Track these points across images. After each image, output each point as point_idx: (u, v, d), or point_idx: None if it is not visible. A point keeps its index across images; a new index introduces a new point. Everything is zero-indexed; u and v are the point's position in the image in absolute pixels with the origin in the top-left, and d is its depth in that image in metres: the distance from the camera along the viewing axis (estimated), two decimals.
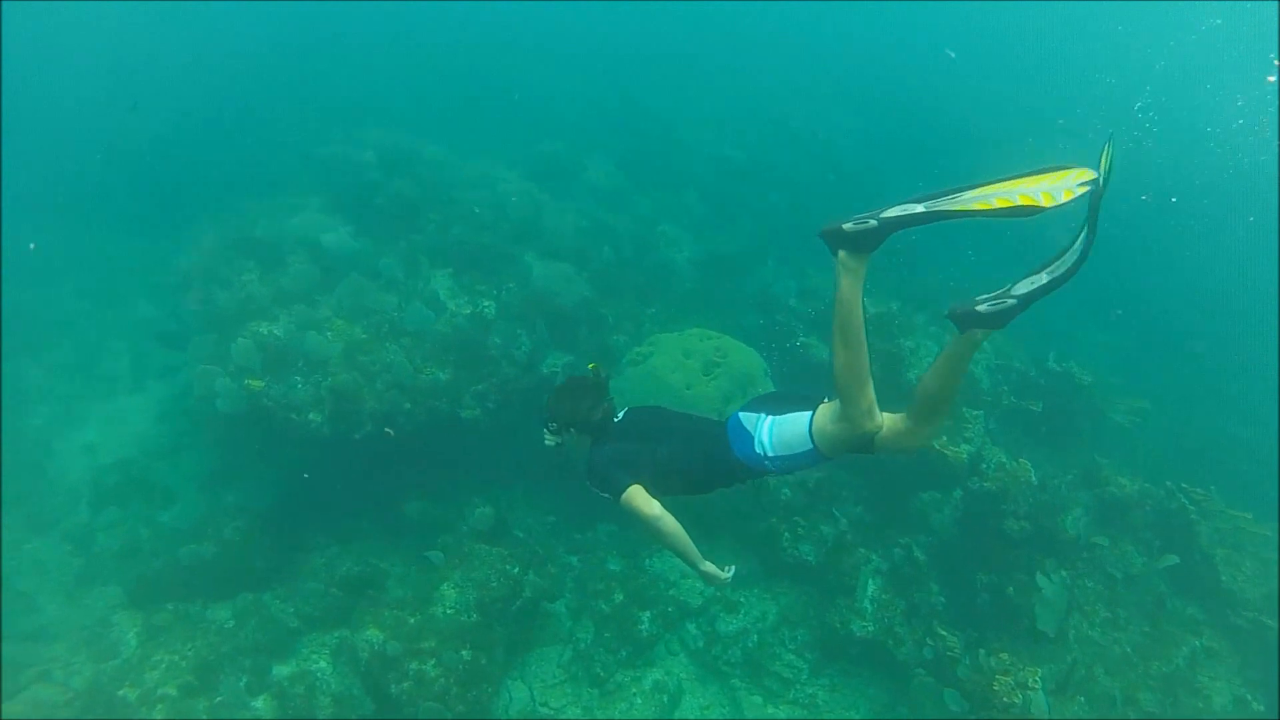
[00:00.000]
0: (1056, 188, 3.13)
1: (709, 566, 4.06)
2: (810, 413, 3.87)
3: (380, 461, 9.95)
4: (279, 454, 10.54)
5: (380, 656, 8.46)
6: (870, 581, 9.78)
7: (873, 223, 3.40)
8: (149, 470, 11.59)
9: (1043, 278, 3.24)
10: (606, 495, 4.09)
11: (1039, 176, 3.18)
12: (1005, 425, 11.87)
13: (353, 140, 14.21)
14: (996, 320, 3.32)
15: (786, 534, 10.04)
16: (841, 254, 3.48)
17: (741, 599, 10.04)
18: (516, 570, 9.30)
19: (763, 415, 4.02)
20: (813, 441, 3.81)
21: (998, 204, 3.17)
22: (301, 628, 9.32)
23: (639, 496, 3.97)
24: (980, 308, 3.32)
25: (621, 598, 9.70)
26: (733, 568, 4.20)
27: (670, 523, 3.94)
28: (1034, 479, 9.94)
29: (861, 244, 3.45)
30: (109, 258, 15.61)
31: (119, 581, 10.08)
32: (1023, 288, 3.28)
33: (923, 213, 3.30)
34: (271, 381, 9.75)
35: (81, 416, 12.57)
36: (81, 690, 8.65)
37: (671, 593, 9.92)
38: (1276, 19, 21.24)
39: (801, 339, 11.49)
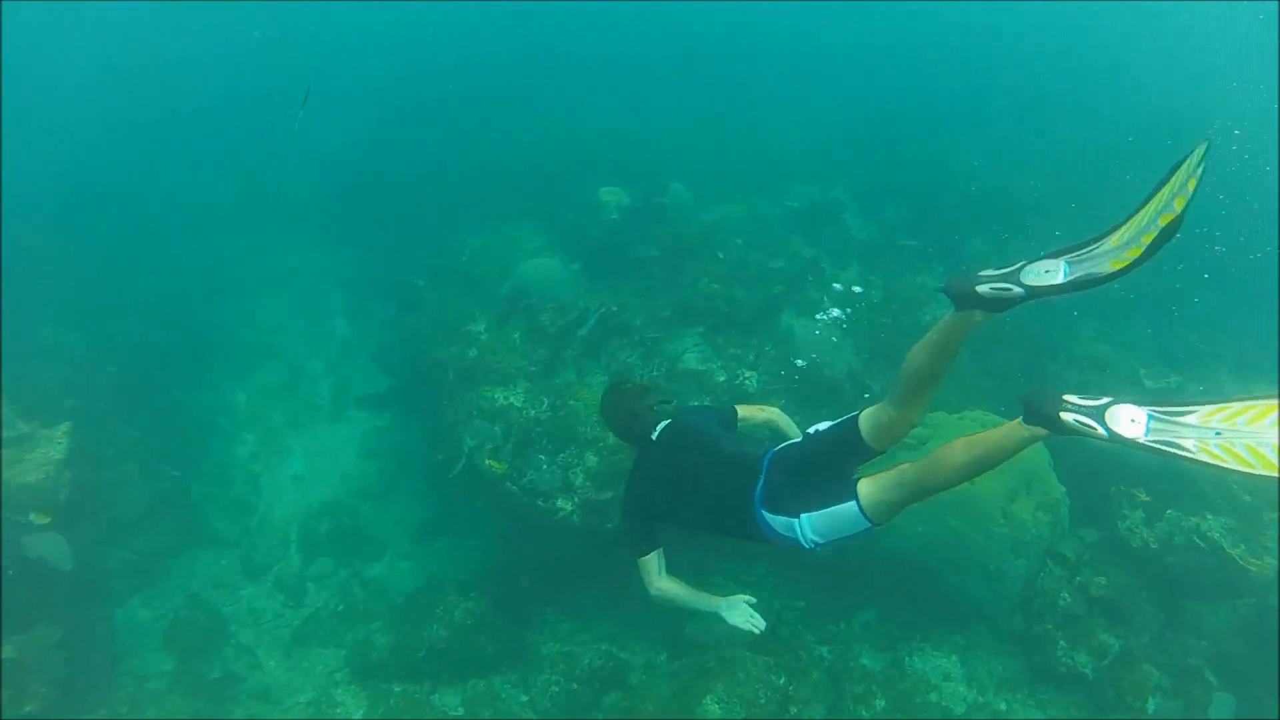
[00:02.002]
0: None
1: (733, 613, 4.22)
2: (853, 501, 3.63)
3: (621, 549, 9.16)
4: (496, 515, 9.95)
5: None
6: (1150, 699, 8.71)
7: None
8: (358, 515, 11.22)
9: (1058, 276, 2.99)
10: (626, 540, 4.41)
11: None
12: None
13: (587, 173, 13.35)
14: (997, 306, 3.10)
15: (1062, 641, 9.00)
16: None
17: (1004, 706, 9.05)
18: (783, 681, 8.45)
19: (795, 519, 3.77)
20: (868, 520, 3.62)
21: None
22: None
23: (649, 568, 4.28)
24: (981, 288, 3.08)
25: (883, 704, 8.75)
26: (752, 610, 4.26)
27: (671, 593, 4.28)
28: None
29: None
30: (312, 270, 15.19)
31: (336, 644, 9.73)
32: (1034, 277, 3.01)
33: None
34: (513, 461, 8.97)
35: (286, 447, 12.23)
36: None
37: (933, 697, 8.98)
38: (1277, 18, 19.77)
39: None
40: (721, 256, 10.94)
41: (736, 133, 17.19)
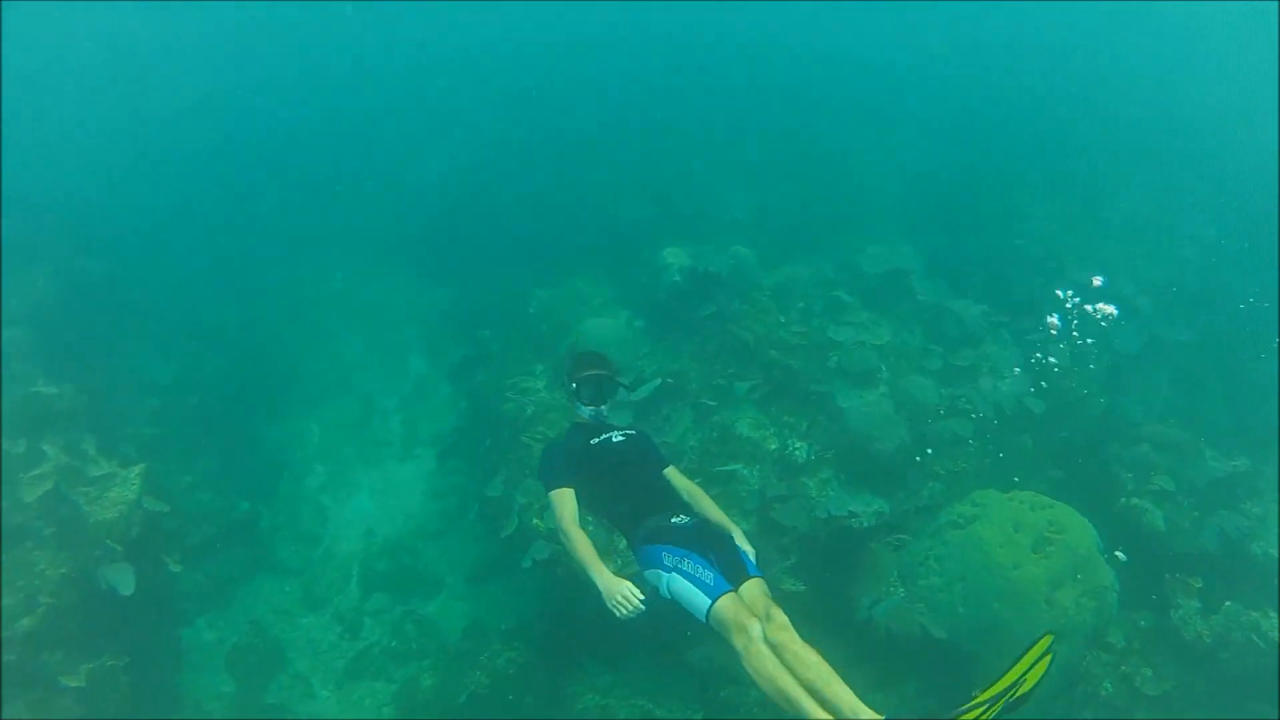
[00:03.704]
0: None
1: (606, 578, 4.29)
2: (709, 604, 4.14)
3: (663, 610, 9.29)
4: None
5: None
6: None
7: None
8: (418, 555, 11.55)
9: None
10: (541, 482, 4.83)
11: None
12: None
13: (656, 228, 13.51)
14: None
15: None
16: None
17: None
18: None
19: (667, 573, 4.33)
20: (706, 620, 4.16)
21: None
22: None
23: (564, 501, 4.62)
24: None
25: None
26: (636, 592, 4.25)
27: (576, 537, 4.47)
28: None
29: None
30: (395, 305, 15.74)
31: (387, 679, 10.05)
32: None
33: None
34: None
35: (354, 482, 12.66)
36: None
37: None
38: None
39: (1133, 499, 10.07)
40: (783, 322, 11.00)
41: (815, 184, 16.95)
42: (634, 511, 4.70)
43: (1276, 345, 12.08)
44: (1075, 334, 11.64)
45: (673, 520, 4.64)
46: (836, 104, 21.50)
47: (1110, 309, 11.73)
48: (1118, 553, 9.28)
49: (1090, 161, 17.39)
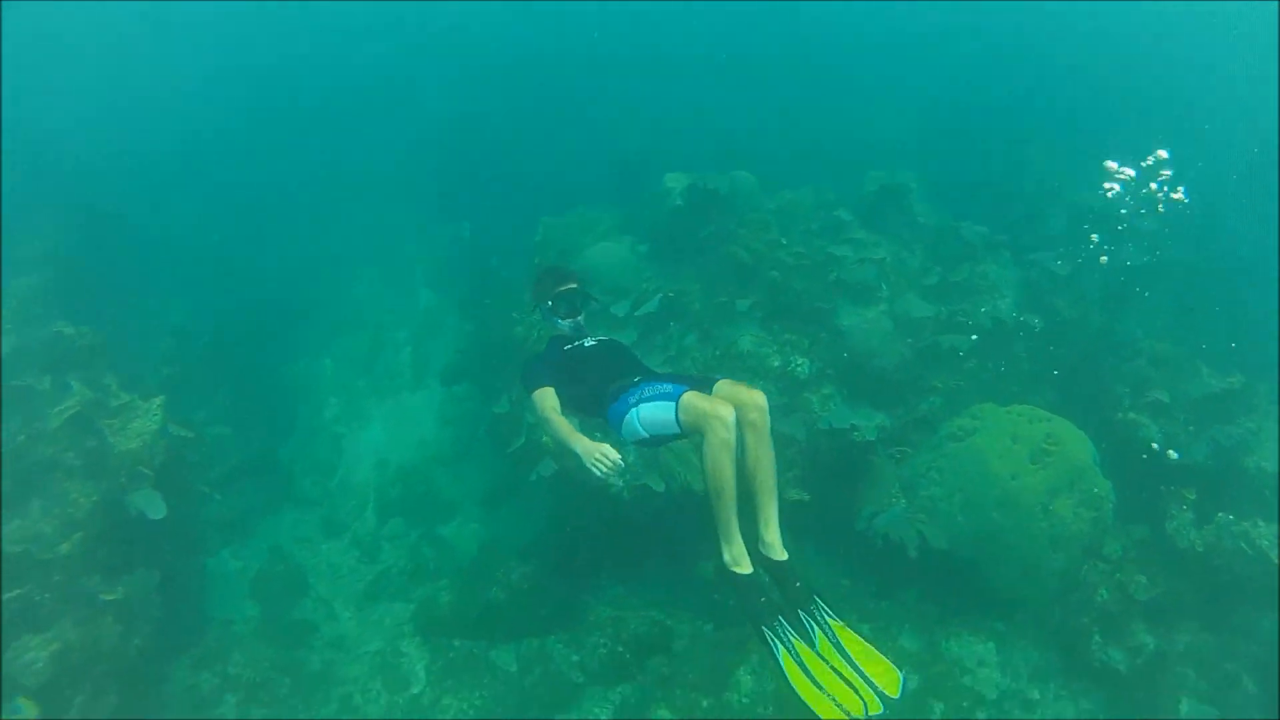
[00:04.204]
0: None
1: (584, 443, 4.30)
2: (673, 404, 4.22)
3: (673, 518, 9.57)
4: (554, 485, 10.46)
5: None
6: (1184, 700, 8.73)
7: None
8: (431, 480, 11.89)
9: None
10: (524, 388, 4.89)
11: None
12: None
13: (664, 159, 13.49)
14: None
15: (1098, 636, 9.11)
16: None
17: (1037, 695, 9.20)
18: None
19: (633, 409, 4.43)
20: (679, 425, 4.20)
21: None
22: (585, 682, 9.16)
23: (545, 396, 4.73)
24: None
25: (916, 683, 9.02)
26: (617, 454, 4.21)
27: (555, 420, 4.61)
28: None
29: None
30: (405, 243, 15.92)
31: (405, 599, 10.39)
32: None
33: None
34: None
35: (367, 413, 12.97)
36: None
37: (966, 680, 9.20)
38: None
39: (1129, 413, 10.26)
40: (784, 243, 11.14)
41: (823, 124, 17.14)
42: (604, 385, 4.82)
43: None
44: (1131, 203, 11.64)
45: (635, 379, 4.75)
46: (846, 46, 21.45)
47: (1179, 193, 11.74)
48: (1171, 451, 9.54)
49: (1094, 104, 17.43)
